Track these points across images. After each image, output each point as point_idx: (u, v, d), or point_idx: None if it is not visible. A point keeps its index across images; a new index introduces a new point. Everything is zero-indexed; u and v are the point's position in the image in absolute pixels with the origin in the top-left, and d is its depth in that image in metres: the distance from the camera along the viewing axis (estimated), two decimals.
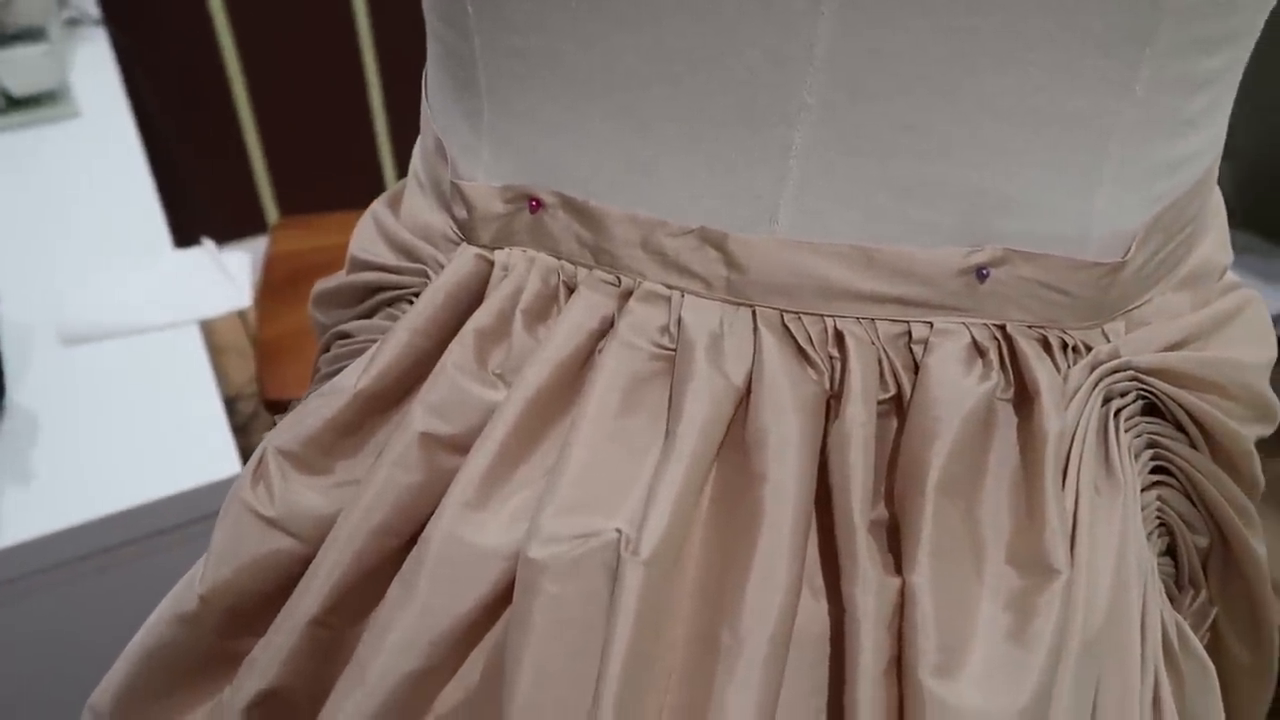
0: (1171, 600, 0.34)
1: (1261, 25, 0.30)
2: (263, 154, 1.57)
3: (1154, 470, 0.31)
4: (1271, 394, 0.33)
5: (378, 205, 0.37)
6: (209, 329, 1.41)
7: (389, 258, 0.35)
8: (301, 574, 0.29)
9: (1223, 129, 0.32)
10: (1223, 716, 0.33)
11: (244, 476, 0.30)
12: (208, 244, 0.80)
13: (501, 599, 0.27)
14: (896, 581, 0.26)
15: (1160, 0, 0.25)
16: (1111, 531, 0.28)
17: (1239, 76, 0.31)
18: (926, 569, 0.25)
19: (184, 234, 0.89)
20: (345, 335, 0.36)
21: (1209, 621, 0.35)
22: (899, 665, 0.25)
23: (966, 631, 0.25)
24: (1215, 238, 0.34)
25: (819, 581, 0.27)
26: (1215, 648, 0.38)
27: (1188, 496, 0.32)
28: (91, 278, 0.76)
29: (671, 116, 0.27)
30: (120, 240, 0.81)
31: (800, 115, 0.27)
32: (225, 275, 0.76)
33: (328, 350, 0.37)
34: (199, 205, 1.52)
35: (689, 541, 0.27)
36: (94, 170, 0.89)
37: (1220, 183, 1.27)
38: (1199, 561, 0.33)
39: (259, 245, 1.39)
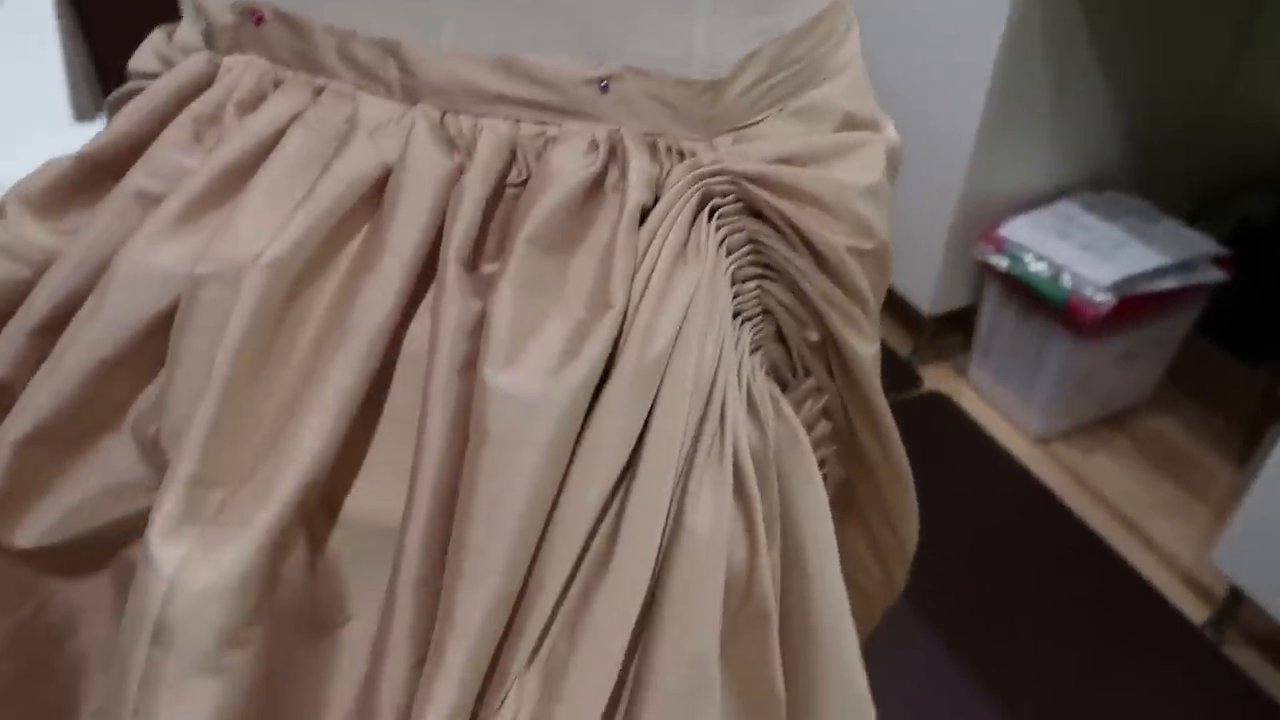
0: (785, 384, 0.41)
1: None
2: None
3: (757, 264, 0.38)
4: (870, 216, 0.40)
5: (156, 32, 0.43)
6: None
7: (155, 67, 0.41)
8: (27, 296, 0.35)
9: None
10: (817, 479, 0.39)
11: None
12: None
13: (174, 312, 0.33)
14: (480, 304, 0.32)
15: None
16: (682, 292, 0.34)
17: None
18: (507, 295, 0.32)
19: None
20: None
21: (824, 401, 0.41)
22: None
23: (531, 342, 0.32)
24: (844, 86, 0.40)
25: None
26: (855, 452, 0.45)
27: (792, 292, 0.39)
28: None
29: None
30: (19, 111, 0.87)
31: None
32: None
33: None
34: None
35: (322, 280, 0.33)
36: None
37: (1112, 155, 1.39)
38: (808, 352, 0.40)
39: None
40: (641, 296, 0.33)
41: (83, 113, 0.87)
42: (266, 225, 0.33)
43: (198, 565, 0.29)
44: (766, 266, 0.38)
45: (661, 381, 0.33)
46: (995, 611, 1.24)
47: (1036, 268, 1.32)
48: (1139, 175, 1.51)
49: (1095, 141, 1.44)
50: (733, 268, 0.37)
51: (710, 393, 0.35)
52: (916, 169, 1.38)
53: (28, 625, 0.36)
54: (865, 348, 0.40)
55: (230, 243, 0.33)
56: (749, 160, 0.36)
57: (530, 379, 0.31)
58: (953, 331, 1.58)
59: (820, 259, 0.38)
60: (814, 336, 0.40)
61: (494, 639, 0.31)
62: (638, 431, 0.33)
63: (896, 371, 1.59)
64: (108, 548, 0.36)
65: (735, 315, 0.37)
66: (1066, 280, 1.30)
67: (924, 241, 1.46)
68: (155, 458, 0.34)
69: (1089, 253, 1.32)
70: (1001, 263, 1.36)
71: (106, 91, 1.13)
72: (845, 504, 0.49)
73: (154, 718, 0.29)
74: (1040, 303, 1.34)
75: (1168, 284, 1.31)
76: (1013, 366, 1.46)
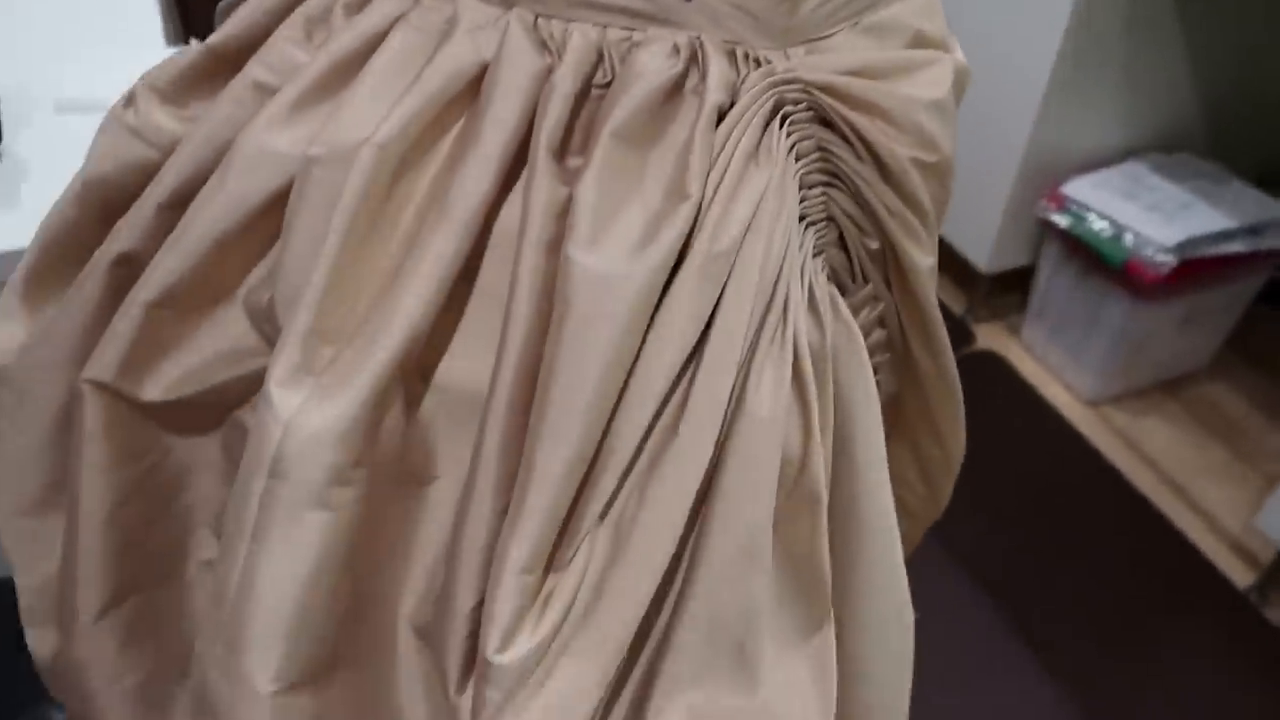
0: (845, 289, 0.43)
1: None
2: None
3: (824, 171, 0.40)
4: (935, 130, 0.41)
5: None
6: None
7: None
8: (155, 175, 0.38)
9: None
10: (870, 378, 0.41)
11: (118, 102, 0.40)
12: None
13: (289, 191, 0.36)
14: (566, 189, 0.35)
15: None
16: (753, 190, 0.36)
17: None
18: (592, 182, 0.34)
19: (196, 30, 0.96)
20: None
21: (880, 309, 0.43)
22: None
23: (613, 226, 0.34)
24: (915, 5, 0.42)
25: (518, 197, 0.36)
26: (907, 362, 0.47)
27: (855, 201, 0.41)
28: (88, 57, 0.86)
29: None
30: (116, 33, 0.91)
31: None
32: None
33: None
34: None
35: (423, 163, 0.36)
36: None
37: (1186, 117, 1.40)
38: (868, 260, 0.42)
39: None
40: (715, 191, 0.36)
41: (170, 39, 0.92)
42: (373, 113, 0.36)
43: (311, 410, 0.32)
44: (833, 174, 0.40)
45: (730, 271, 0.36)
46: (1040, 568, 1.26)
47: (1098, 226, 1.32)
48: (1212, 138, 1.48)
49: (1169, 102, 1.41)
50: (801, 173, 0.39)
51: (775, 286, 0.37)
52: (981, 126, 1.38)
53: (149, 476, 0.40)
54: (922, 258, 0.42)
55: (340, 128, 0.36)
56: (821, 71, 0.38)
57: (611, 258, 0.34)
58: (1008, 291, 1.57)
59: (884, 169, 0.40)
60: (874, 245, 0.42)
61: (571, 491, 0.34)
62: (706, 315, 0.36)
63: (950, 329, 1.59)
64: (219, 409, 0.40)
65: (801, 219, 0.39)
66: (1128, 240, 1.29)
67: (984, 199, 1.46)
68: (265, 326, 0.38)
69: (1154, 213, 1.31)
70: (1062, 221, 1.35)
71: (185, 21, 1.18)
72: (893, 420, 0.51)
73: (269, 542, 0.32)
74: (1100, 263, 1.33)
75: (1234, 248, 1.30)
76: (1068, 328, 1.45)
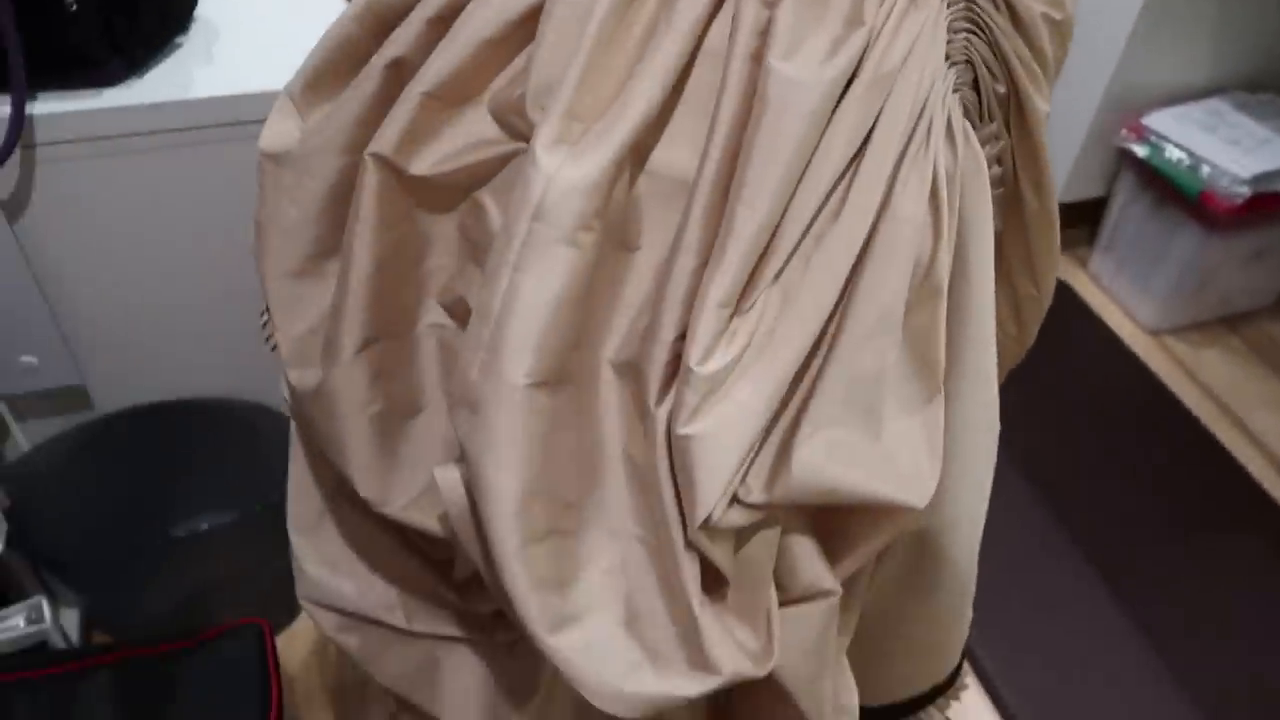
0: (973, 125, 0.51)
1: None
2: None
3: (967, 20, 0.48)
4: None
5: None
6: None
7: None
8: None
9: None
10: (988, 199, 0.50)
11: None
12: None
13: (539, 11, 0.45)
14: (768, 12, 0.44)
15: None
16: (914, 26, 0.45)
17: None
18: (789, 7, 0.43)
19: None
20: None
21: (999, 147, 0.52)
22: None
23: (803, 43, 0.43)
24: None
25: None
26: (1014, 199, 0.55)
27: (990, 49, 0.49)
28: None
29: None
30: None
31: None
32: None
33: None
34: None
35: None
36: None
37: (1274, 57, 1.46)
38: (995, 102, 0.50)
39: None
40: (883, 25, 0.44)
41: None
42: None
43: (568, 168, 0.42)
44: (974, 23, 0.48)
45: (890, 91, 0.44)
46: (1094, 476, 1.33)
47: (1176, 157, 1.36)
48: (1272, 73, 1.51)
49: (1258, 43, 1.44)
50: (949, 19, 0.47)
51: (922, 110, 0.46)
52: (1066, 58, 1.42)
53: (402, 242, 0.50)
54: (1041, 104, 0.50)
55: None
56: None
57: (801, 68, 0.42)
58: (1079, 223, 1.63)
59: (1017, 20, 0.48)
60: (1001, 89, 0.50)
61: (759, 249, 0.43)
62: (870, 124, 0.44)
63: None
64: (462, 189, 0.49)
65: (946, 58, 0.48)
66: (1205, 171, 1.34)
67: (1064, 129, 1.51)
68: (511, 118, 0.47)
69: (1232, 147, 1.35)
70: (1141, 150, 1.40)
71: None
72: (995, 260, 0.59)
73: (529, 270, 0.42)
74: (1174, 193, 1.38)
75: None
76: (1137, 258, 1.51)
